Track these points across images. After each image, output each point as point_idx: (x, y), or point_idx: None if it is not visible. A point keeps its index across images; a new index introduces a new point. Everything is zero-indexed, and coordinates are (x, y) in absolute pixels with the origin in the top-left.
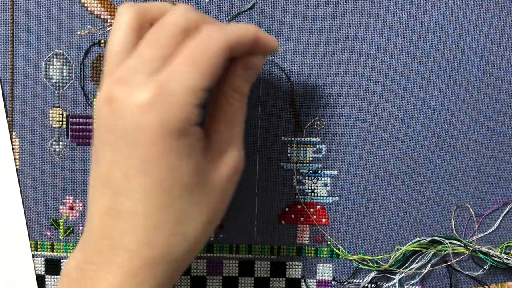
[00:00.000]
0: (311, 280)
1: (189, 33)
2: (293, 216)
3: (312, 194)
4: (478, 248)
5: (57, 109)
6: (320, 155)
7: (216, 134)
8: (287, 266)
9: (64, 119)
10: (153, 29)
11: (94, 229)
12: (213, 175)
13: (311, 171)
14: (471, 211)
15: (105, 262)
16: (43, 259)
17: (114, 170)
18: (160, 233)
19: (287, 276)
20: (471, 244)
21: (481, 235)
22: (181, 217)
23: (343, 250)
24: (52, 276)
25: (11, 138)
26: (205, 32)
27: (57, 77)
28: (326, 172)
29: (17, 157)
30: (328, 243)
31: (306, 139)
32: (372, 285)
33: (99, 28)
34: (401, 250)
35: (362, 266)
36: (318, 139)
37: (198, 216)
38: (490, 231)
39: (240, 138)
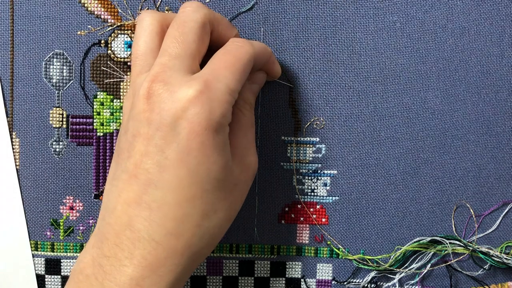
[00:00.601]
0: (311, 280)
1: (206, 28)
2: (293, 215)
3: (312, 193)
4: (478, 248)
5: (57, 109)
6: (320, 155)
7: (235, 140)
8: (287, 266)
9: (64, 119)
10: (174, 27)
11: (116, 222)
12: (235, 174)
13: (310, 171)
14: (471, 211)
15: (127, 255)
16: (43, 259)
17: (147, 162)
18: (186, 224)
19: (287, 276)
20: (471, 244)
21: (481, 235)
22: (207, 210)
23: (343, 250)
24: (52, 276)
25: (11, 138)
26: (237, 42)
27: (57, 77)
28: (325, 171)
29: (17, 157)
30: (328, 243)
31: (305, 138)
32: (372, 285)
33: (99, 28)
34: (401, 250)
35: (362, 266)
36: (318, 139)
37: (221, 211)
38: (490, 231)
39: (254, 144)
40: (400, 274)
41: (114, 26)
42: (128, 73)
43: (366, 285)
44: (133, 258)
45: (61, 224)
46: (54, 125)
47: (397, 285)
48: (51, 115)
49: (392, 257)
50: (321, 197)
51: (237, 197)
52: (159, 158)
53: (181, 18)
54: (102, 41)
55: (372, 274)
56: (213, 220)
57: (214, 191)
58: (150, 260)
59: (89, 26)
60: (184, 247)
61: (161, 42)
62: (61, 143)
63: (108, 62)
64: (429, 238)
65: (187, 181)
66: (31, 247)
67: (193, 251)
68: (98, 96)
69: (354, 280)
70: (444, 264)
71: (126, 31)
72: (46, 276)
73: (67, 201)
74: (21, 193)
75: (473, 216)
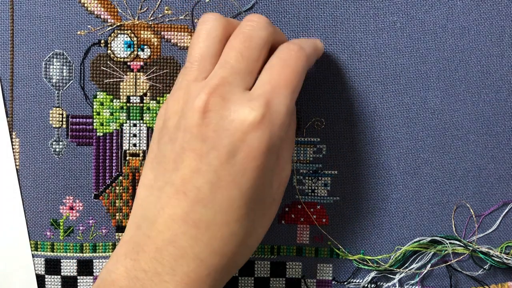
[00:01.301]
0: (311, 280)
1: (269, 46)
2: (293, 216)
3: (312, 194)
4: (478, 248)
5: (57, 109)
6: (320, 155)
7: (280, 153)
8: (287, 266)
9: (64, 119)
10: (241, 40)
11: (157, 236)
12: (274, 189)
13: (311, 171)
14: (471, 211)
15: (168, 271)
16: (43, 259)
17: (198, 179)
18: (232, 243)
19: (287, 276)
20: (471, 244)
21: (481, 235)
22: (250, 228)
23: (343, 250)
24: (52, 276)
25: (11, 138)
26: (293, 50)
27: (57, 77)
28: (326, 172)
29: (17, 157)
30: (328, 243)
31: (306, 139)
32: (372, 285)
33: (99, 28)
34: (401, 250)
35: (362, 266)
36: (318, 139)
37: (261, 228)
38: (490, 231)
39: (292, 157)
40: (400, 274)
41: (114, 26)
42: (128, 73)
43: (366, 285)
44: (175, 275)
45: (61, 224)
46: (54, 125)
47: (397, 285)
48: (51, 115)
49: (392, 257)
50: (321, 198)
51: (273, 211)
52: (211, 178)
53: (248, 31)
54: (102, 41)
55: (372, 274)
56: (254, 236)
57: (257, 210)
58: (193, 277)
59: (89, 26)
60: (226, 264)
61: (222, 49)
62: (61, 143)
63: (108, 62)
64: (429, 238)
65: (238, 202)
66: (31, 247)
67: (234, 267)
68: (98, 96)
69: (354, 280)
70: (444, 264)
71: (126, 31)
72: (46, 276)
73: (67, 201)
74: (21, 193)
75: (473, 216)
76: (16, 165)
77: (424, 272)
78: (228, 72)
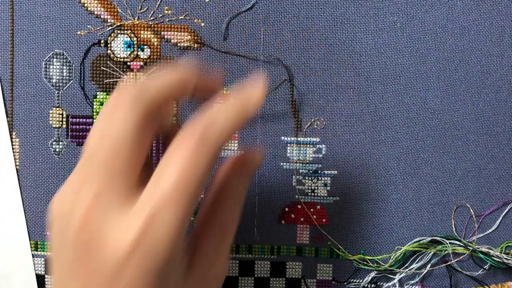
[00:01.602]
0: (311, 280)
1: (149, 124)
2: (293, 216)
3: (312, 194)
4: (478, 248)
5: (57, 109)
6: (320, 155)
7: (203, 244)
8: (287, 266)
9: (64, 119)
10: (105, 137)
11: None
12: None
13: (311, 171)
14: (471, 211)
15: None
16: (43, 259)
17: None
18: None
19: (287, 276)
20: (471, 244)
21: (481, 235)
22: None
23: (343, 250)
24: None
25: (11, 138)
26: (192, 145)
27: (57, 77)
28: (326, 172)
29: (17, 157)
30: (328, 243)
31: (306, 139)
32: (372, 285)
33: (99, 28)
34: (401, 250)
35: (362, 266)
36: (318, 139)
37: None
38: (490, 231)
39: (229, 248)
40: (400, 274)
41: (114, 26)
42: (128, 73)
43: (366, 285)
44: None
45: None
46: (54, 125)
47: (397, 285)
48: (51, 115)
49: (392, 257)
50: (321, 198)
51: None
52: None
53: (113, 124)
54: (102, 41)
55: (372, 274)
56: None
57: None
58: None
59: (89, 26)
60: None
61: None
62: (61, 143)
63: (108, 62)
64: (429, 238)
65: None
66: (31, 247)
67: None
68: (98, 96)
69: (354, 280)
70: (444, 264)
71: (126, 31)
72: (46, 276)
73: None
74: (21, 193)
75: (473, 216)
76: (16, 165)
77: (424, 272)
78: (101, 184)
